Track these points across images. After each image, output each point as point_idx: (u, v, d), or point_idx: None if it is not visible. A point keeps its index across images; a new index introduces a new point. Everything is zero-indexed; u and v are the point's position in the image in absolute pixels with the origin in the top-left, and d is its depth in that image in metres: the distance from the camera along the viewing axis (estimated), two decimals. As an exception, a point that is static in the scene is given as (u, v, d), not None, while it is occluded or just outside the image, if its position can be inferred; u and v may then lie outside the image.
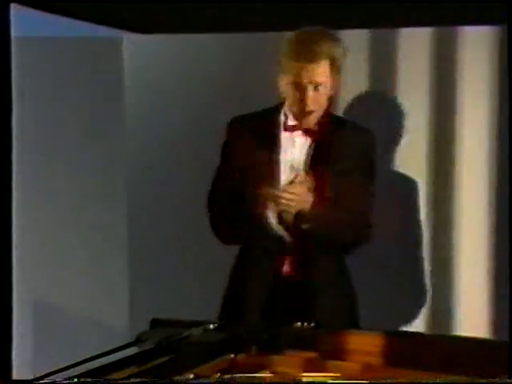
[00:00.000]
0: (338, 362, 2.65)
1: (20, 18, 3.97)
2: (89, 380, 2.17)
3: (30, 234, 4.19)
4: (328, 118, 3.44)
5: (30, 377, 2.37)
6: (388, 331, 2.77)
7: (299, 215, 3.31)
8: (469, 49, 3.88)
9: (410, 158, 3.99)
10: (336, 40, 3.37)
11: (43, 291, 4.19)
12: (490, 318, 3.86)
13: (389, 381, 2.21)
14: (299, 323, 2.84)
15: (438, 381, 2.18)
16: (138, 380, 2.20)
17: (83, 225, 4.21)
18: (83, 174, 4.23)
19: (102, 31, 4.20)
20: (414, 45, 3.97)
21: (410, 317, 3.92)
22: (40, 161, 4.23)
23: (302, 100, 3.32)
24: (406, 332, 2.99)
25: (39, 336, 4.15)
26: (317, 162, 3.38)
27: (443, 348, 2.65)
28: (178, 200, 4.15)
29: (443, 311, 3.96)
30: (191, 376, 2.49)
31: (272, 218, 3.37)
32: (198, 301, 3.87)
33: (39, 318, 4.18)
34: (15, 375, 2.46)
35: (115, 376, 2.46)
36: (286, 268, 3.39)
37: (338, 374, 2.56)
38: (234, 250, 3.53)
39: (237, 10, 3.89)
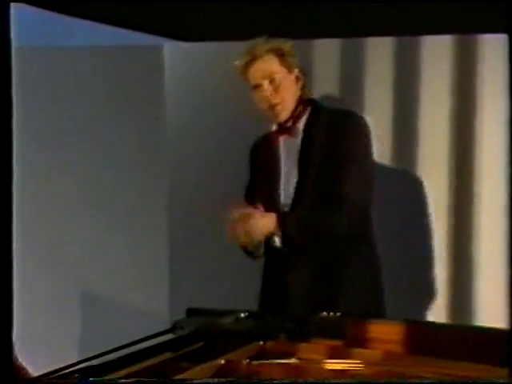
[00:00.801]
0: (361, 350, 2.63)
1: (67, 28, 3.99)
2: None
3: (73, 221, 4.21)
4: (307, 112, 3.42)
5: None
6: (408, 320, 2.76)
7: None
8: (488, 54, 3.85)
9: (432, 159, 3.96)
10: (277, 39, 3.39)
11: (87, 280, 4.21)
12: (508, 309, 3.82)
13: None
14: (325, 313, 2.84)
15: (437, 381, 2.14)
16: (132, 380, 2.16)
17: (124, 215, 4.21)
18: (127, 164, 4.23)
19: (144, 39, 4.21)
20: (436, 50, 3.94)
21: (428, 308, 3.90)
22: (90, 154, 4.25)
23: (264, 97, 3.35)
24: (425, 322, 2.96)
25: (84, 324, 4.18)
26: (304, 158, 3.36)
27: (461, 337, 2.64)
28: (215, 190, 4.14)
29: (463, 302, 3.93)
30: (222, 362, 2.50)
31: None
32: (234, 290, 3.87)
33: (84, 307, 4.20)
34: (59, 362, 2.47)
35: (152, 361, 2.49)
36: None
37: (361, 361, 2.55)
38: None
39: (272, 17, 3.89)
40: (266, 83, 3.33)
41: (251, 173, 3.57)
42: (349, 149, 3.30)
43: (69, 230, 4.23)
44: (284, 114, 3.36)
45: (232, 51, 4.03)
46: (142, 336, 2.58)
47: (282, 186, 3.40)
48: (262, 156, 3.50)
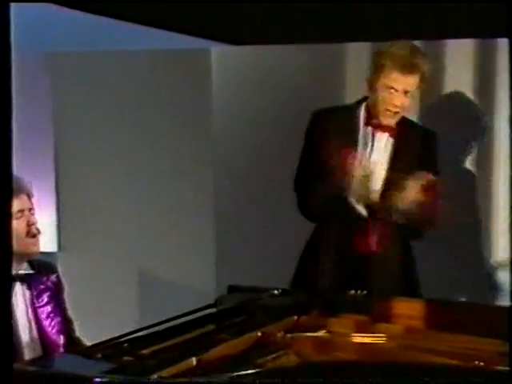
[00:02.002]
0: (385, 325, 2.63)
1: (116, 32, 3.99)
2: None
3: (125, 203, 4.24)
4: (403, 120, 3.38)
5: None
6: (428, 299, 2.76)
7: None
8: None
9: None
10: (426, 56, 3.34)
11: (139, 258, 4.24)
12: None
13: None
14: (353, 291, 2.84)
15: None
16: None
17: (172, 196, 4.22)
18: (175, 155, 4.23)
19: (192, 43, 4.19)
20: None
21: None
22: (141, 149, 4.26)
23: (392, 102, 3.28)
24: (443, 299, 2.94)
25: (135, 298, 4.22)
26: (396, 157, 3.34)
27: (478, 315, 2.63)
28: (261, 180, 4.14)
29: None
30: (259, 334, 2.51)
31: (358, 205, 3.33)
32: (276, 269, 3.85)
33: (135, 283, 4.24)
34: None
35: (196, 333, 2.50)
36: (361, 246, 3.34)
37: (384, 335, 2.55)
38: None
39: (313, 22, 3.86)
40: (400, 94, 3.27)
41: (314, 139, 3.43)
42: (432, 159, 3.37)
43: (121, 211, 4.25)
44: (394, 121, 3.34)
45: (278, 54, 4.03)
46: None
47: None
48: (342, 134, 3.36)
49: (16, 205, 2.74)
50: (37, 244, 2.79)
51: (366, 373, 2.14)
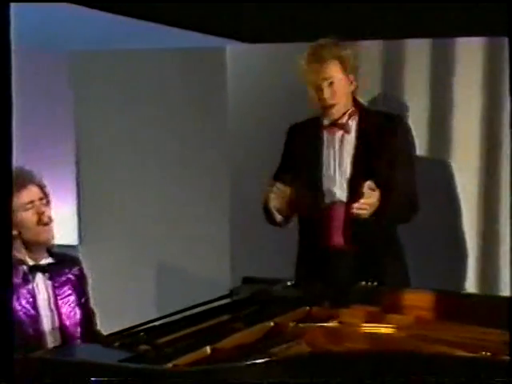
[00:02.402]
0: (395, 315, 2.62)
1: (132, 31, 3.98)
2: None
3: (145, 196, 4.25)
4: (361, 110, 3.36)
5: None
6: (438, 290, 2.74)
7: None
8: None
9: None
10: (342, 45, 3.33)
11: (158, 251, 4.24)
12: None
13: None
14: (364, 282, 2.83)
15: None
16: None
17: (190, 190, 4.23)
18: (192, 152, 4.23)
19: (207, 41, 4.18)
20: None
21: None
22: (159, 147, 4.26)
23: (321, 97, 3.29)
24: (451, 291, 2.93)
25: (153, 288, 4.23)
26: (358, 153, 3.31)
27: (485, 305, 2.61)
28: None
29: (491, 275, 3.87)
30: (272, 324, 2.51)
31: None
32: (289, 261, 3.84)
33: (153, 274, 4.25)
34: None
35: (211, 322, 2.50)
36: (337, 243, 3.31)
37: (394, 325, 2.54)
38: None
39: (332, 18, 3.83)
40: (325, 84, 3.27)
41: (288, 153, 3.46)
42: (397, 146, 3.30)
43: (140, 204, 4.25)
44: (337, 114, 3.32)
45: (293, 52, 4.00)
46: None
47: (327, 173, 3.33)
48: (305, 141, 3.41)
49: (26, 196, 2.75)
50: (49, 232, 2.78)
51: (376, 362, 2.12)
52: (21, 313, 2.70)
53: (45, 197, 2.80)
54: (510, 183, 3.26)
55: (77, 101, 4.34)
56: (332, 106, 3.29)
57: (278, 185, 3.23)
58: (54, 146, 4.45)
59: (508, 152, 3.69)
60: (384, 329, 2.51)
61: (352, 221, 3.22)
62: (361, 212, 3.13)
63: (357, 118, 3.35)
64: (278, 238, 3.87)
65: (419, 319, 2.60)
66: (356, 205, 3.13)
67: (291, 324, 2.52)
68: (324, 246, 3.31)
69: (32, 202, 2.76)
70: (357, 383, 1.99)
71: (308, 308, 2.68)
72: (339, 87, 3.29)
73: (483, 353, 2.22)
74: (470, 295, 2.82)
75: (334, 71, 3.28)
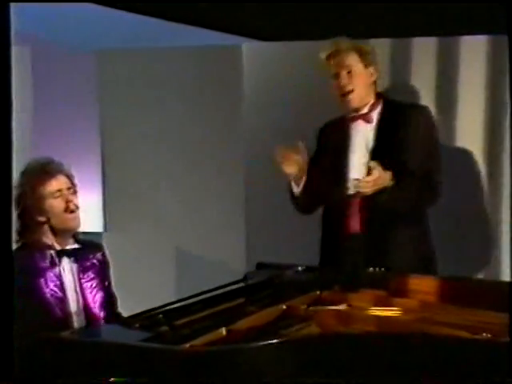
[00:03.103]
0: (402, 299, 2.61)
1: (149, 29, 3.97)
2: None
3: (166, 185, 4.26)
4: (384, 102, 3.35)
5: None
6: (442, 275, 2.73)
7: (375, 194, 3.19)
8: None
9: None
10: (362, 42, 3.37)
11: (177, 237, 4.25)
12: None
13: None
14: (372, 268, 2.82)
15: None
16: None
17: (207, 180, 4.23)
18: (208, 149, 4.24)
19: (223, 39, 4.16)
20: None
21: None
22: (181, 135, 4.24)
23: (339, 84, 3.31)
24: (456, 276, 2.91)
25: (172, 273, 4.24)
26: (378, 143, 3.29)
27: (488, 290, 2.60)
28: None
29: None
30: (284, 307, 2.50)
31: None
32: (302, 247, 3.83)
33: (172, 259, 4.26)
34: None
35: (226, 305, 2.50)
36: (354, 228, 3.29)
37: (401, 309, 2.53)
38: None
39: (347, 17, 3.81)
40: (343, 73, 3.30)
41: (319, 149, 3.47)
42: (419, 135, 3.28)
43: (161, 194, 4.26)
44: (355, 102, 3.32)
45: (307, 50, 3.97)
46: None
47: (350, 163, 3.33)
48: (333, 136, 3.42)
49: (55, 185, 2.79)
50: (76, 219, 2.82)
51: (382, 343, 2.11)
52: (48, 295, 2.72)
53: (72, 186, 2.84)
54: (510, 183, 3.23)
55: (102, 96, 4.35)
56: (349, 92, 3.30)
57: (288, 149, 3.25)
58: (81, 140, 4.47)
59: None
60: (390, 312, 2.51)
61: (372, 208, 3.22)
62: (362, 189, 3.14)
63: (379, 108, 3.34)
64: (291, 226, 3.88)
65: (424, 303, 2.59)
66: (355, 182, 3.16)
67: (302, 307, 2.52)
68: (346, 232, 3.30)
69: (60, 190, 2.79)
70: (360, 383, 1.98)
71: (318, 292, 2.67)
72: (357, 76, 3.30)
73: (484, 334, 2.21)
74: (471, 280, 2.80)
75: (353, 61, 3.31)
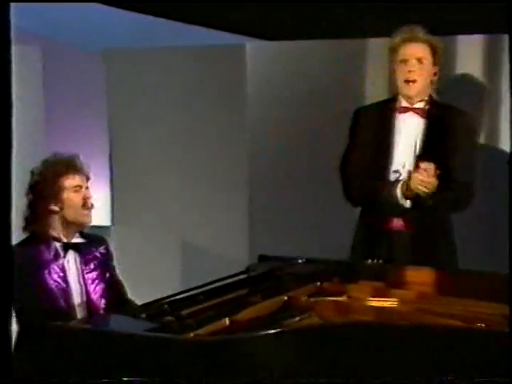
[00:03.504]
0: (399, 290, 2.62)
1: (154, 29, 3.96)
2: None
3: (171, 180, 4.27)
4: (433, 102, 3.28)
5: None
6: (437, 267, 2.73)
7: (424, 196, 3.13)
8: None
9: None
10: (431, 35, 3.26)
11: (181, 229, 4.26)
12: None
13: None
14: (370, 260, 2.82)
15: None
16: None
17: (211, 174, 4.23)
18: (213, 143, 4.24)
19: (228, 38, 4.15)
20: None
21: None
22: (187, 132, 4.23)
23: (408, 70, 3.21)
24: (451, 268, 2.92)
25: (177, 264, 4.25)
26: (429, 138, 3.23)
27: (482, 281, 2.60)
28: (294, 156, 4.04)
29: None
30: (285, 298, 2.51)
31: (398, 192, 3.16)
32: (303, 240, 3.82)
33: (177, 251, 4.27)
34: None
35: (229, 296, 2.50)
36: (398, 225, 3.21)
37: (398, 300, 2.53)
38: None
39: (352, 16, 3.78)
40: (414, 61, 3.20)
41: (356, 133, 3.33)
42: (461, 138, 3.24)
43: (166, 188, 4.26)
44: (415, 91, 3.23)
45: (311, 49, 3.96)
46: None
47: (393, 155, 3.24)
48: (375, 123, 3.31)
49: (77, 180, 2.81)
50: (89, 216, 2.83)
51: (380, 333, 2.11)
52: (53, 286, 2.72)
53: (88, 187, 2.86)
54: (509, 182, 3.20)
55: (110, 94, 4.35)
56: (414, 81, 3.21)
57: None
58: (89, 137, 4.47)
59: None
60: (388, 303, 2.52)
61: (412, 205, 3.17)
62: (419, 187, 3.08)
63: (429, 106, 3.27)
64: (293, 220, 3.89)
65: (420, 294, 2.60)
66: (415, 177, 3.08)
67: (303, 298, 2.52)
68: (385, 227, 3.23)
69: (81, 186, 2.82)
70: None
71: (319, 283, 2.67)
72: (425, 68, 3.22)
73: (478, 324, 2.23)
74: (466, 271, 2.79)
75: (426, 52, 3.22)
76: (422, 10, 3.68)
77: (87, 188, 2.84)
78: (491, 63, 3.85)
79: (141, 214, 4.33)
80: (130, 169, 4.34)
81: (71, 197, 2.79)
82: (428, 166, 3.08)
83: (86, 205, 2.80)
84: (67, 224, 2.80)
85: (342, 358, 2.00)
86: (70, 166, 2.81)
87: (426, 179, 3.07)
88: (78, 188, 2.79)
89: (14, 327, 2.13)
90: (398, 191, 3.16)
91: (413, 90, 3.23)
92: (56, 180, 2.77)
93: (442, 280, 2.64)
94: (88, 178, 2.86)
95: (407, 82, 3.22)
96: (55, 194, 2.77)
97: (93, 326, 2.27)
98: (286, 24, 4.05)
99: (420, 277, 2.68)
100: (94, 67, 4.40)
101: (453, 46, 3.84)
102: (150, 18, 3.82)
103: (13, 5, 3.10)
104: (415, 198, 3.14)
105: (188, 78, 4.19)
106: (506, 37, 3.72)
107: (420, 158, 3.18)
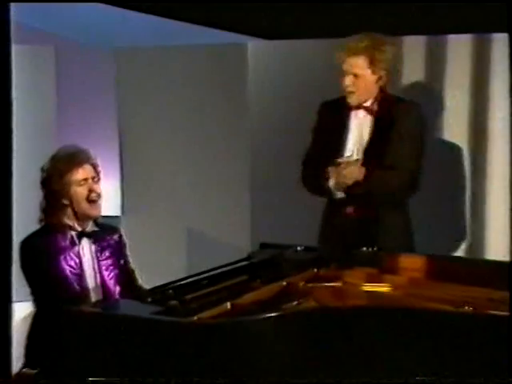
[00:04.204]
0: (391, 276, 2.62)
1: (159, 29, 3.95)
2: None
3: (178, 172, 4.28)
4: (384, 98, 3.32)
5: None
6: (429, 254, 2.73)
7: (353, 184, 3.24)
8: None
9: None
10: (382, 43, 3.27)
11: (188, 219, 4.27)
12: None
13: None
14: (365, 248, 2.82)
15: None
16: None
17: (214, 166, 4.24)
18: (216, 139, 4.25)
19: (230, 38, 4.13)
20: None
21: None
22: (191, 126, 4.26)
23: (344, 83, 3.27)
24: (442, 255, 2.92)
25: (182, 251, 4.26)
26: (374, 132, 3.29)
27: (470, 267, 2.61)
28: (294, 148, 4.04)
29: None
30: (284, 283, 2.51)
31: (331, 185, 3.28)
32: (303, 228, 3.82)
33: (183, 239, 4.28)
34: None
35: (231, 281, 2.51)
36: (349, 211, 3.30)
37: (391, 285, 2.53)
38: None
39: (353, 16, 3.76)
40: (349, 76, 3.26)
41: (316, 125, 3.43)
42: (406, 128, 3.27)
43: (173, 180, 4.28)
44: (355, 100, 3.30)
45: (310, 48, 3.94)
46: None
47: (343, 148, 3.30)
48: (332, 117, 3.38)
49: (81, 174, 2.79)
50: (96, 208, 2.82)
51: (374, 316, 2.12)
52: (68, 272, 2.73)
53: (97, 175, 2.84)
54: (509, 180, 3.20)
55: (120, 90, 4.36)
56: (351, 92, 3.27)
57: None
58: (100, 131, 4.48)
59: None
60: (381, 288, 2.53)
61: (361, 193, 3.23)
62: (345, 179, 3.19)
63: (377, 102, 3.31)
64: (292, 210, 3.89)
65: (412, 279, 2.60)
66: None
67: (301, 283, 2.53)
68: (340, 214, 3.31)
69: (86, 179, 2.80)
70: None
71: (316, 270, 2.67)
72: (362, 79, 3.26)
73: (466, 307, 2.23)
74: (453, 258, 2.80)
75: (360, 66, 3.25)
76: (422, 9, 3.66)
77: (93, 178, 2.81)
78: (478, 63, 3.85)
79: (149, 205, 4.33)
80: (139, 162, 4.35)
81: (77, 191, 2.78)
82: (346, 160, 3.20)
83: (90, 197, 2.79)
84: (78, 215, 2.81)
85: (337, 340, 2.00)
86: (72, 160, 2.79)
87: (345, 172, 3.19)
88: (83, 182, 2.78)
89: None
90: (331, 183, 3.27)
91: (353, 99, 3.31)
92: (62, 177, 2.77)
93: (431, 266, 2.65)
94: (95, 167, 2.83)
95: (347, 92, 3.29)
96: (63, 190, 2.77)
97: (103, 310, 2.27)
98: (287, 23, 4.01)
99: (411, 263, 2.68)
100: (105, 64, 4.40)
101: (440, 46, 3.84)
102: (155, 18, 3.80)
103: (26, 5, 3.11)
104: (349, 189, 3.24)
105: (192, 76, 4.18)
106: (494, 36, 3.75)
107: (366, 150, 3.26)
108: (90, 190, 2.79)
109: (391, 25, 3.78)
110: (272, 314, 2.04)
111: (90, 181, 2.80)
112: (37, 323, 2.23)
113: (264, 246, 2.91)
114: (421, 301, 2.35)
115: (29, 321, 2.34)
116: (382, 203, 3.28)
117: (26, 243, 2.74)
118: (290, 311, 2.26)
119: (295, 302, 2.38)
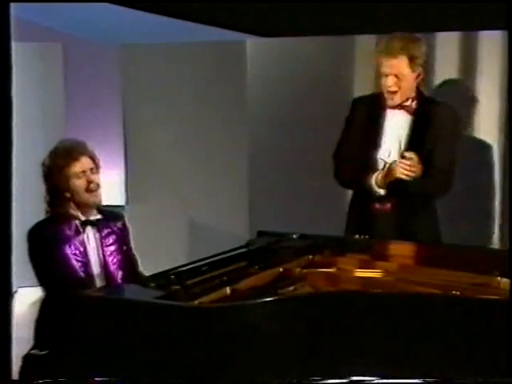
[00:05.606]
0: (383, 263, 2.63)
1: (160, 26, 3.92)
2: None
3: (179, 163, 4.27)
4: (420, 99, 3.24)
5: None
6: (418, 242, 2.74)
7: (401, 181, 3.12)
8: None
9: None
10: (416, 41, 3.18)
11: (187, 207, 4.26)
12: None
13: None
14: (357, 235, 2.82)
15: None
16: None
17: (213, 156, 4.24)
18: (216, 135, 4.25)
19: (229, 35, 4.11)
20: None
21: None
22: (193, 121, 4.24)
23: (385, 84, 3.17)
24: (430, 243, 2.92)
25: (183, 239, 4.26)
26: (414, 132, 3.21)
27: (459, 254, 2.60)
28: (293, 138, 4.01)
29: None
30: (281, 269, 2.51)
31: (372, 182, 3.16)
32: (299, 216, 3.81)
33: (189, 229, 4.28)
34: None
35: (230, 267, 2.50)
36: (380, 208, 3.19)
37: (382, 271, 2.54)
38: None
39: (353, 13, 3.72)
40: (391, 76, 3.15)
41: (350, 122, 3.30)
42: (448, 131, 3.21)
43: (175, 170, 4.27)
44: (397, 100, 3.20)
45: (309, 46, 3.92)
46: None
47: (380, 146, 3.21)
48: (367, 115, 3.27)
49: (78, 167, 2.78)
50: (96, 197, 2.81)
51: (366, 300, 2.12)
52: (73, 259, 2.73)
53: (95, 166, 2.82)
54: (509, 179, 3.17)
55: (125, 84, 4.35)
56: (393, 93, 3.17)
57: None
58: (106, 124, 4.47)
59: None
60: (373, 273, 2.53)
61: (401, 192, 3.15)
62: (403, 172, 3.06)
63: (416, 102, 3.22)
64: (289, 199, 3.89)
65: (402, 266, 2.60)
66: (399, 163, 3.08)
67: (297, 269, 2.53)
68: (370, 208, 3.21)
69: (84, 171, 2.78)
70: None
71: (311, 256, 2.68)
72: (403, 80, 3.16)
73: (453, 292, 2.24)
74: (443, 245, 2.80)
75: (402, 67, 3.14)
76: (421, 9, 3.62)
77: (92, 169, 2.79)
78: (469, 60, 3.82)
79: (152, 195, 4.33)
80: (142, 153, 4.34)
81: (76, 183, 2.76)
82: (411, 155, 3.07)
83: (90, 188, 2.77)
84: (81, 205, 2.80)
85: (331, 323, 2.00)
86: (69, 154, 2.77)
87: (409, 166, 3.05)
88: (81, 174, 2.76)
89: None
90: (373, 181, 3.16)
91: (395, 99, 3.20)
92: (60, 171, 2.76)
93: (421, 253, 2.65)
94: (93, 158, 2.81)
95: (389, 92, 3.19)
96: (62, 183, 2.76)
97: (107, 294, 2.28)
98: (286, 21, 3.98)
99: (402, 250, 2.69)
100: (111, 60, 4.39)
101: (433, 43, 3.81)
102: (156, 16, 3.78)
103: (34, 4, 3.08)
104: (389, 186, 3.14)
105: (192, 73, 4.17)
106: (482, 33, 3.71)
107: (406, 149, 3.15)
108: (89, 181, 2.77)
109: (391, 23, 3.75)
110: (269, 299, 2.05)
111: (88, 172, 2.78)
112: (45, 308, 2.22)
113: (261, 233, 2.91)
114: (410, 286, 2.36)
115: (37, 305, 2.34)
116: (416, 200, 3.20)
117: (33, 232, 2.74)
118: (286, 296, 2.26)
119: (291, 287, 2.38)
